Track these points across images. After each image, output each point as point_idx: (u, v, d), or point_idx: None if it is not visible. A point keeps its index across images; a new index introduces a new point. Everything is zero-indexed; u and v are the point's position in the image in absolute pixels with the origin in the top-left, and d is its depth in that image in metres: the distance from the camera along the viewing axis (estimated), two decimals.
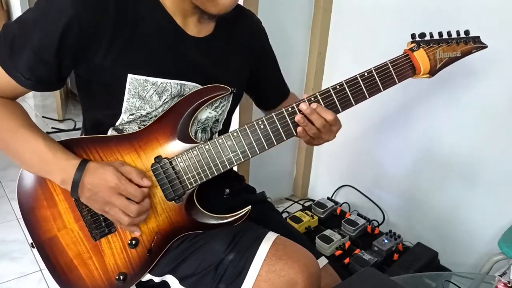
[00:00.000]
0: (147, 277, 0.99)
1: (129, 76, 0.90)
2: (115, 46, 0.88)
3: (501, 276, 1.02)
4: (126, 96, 0.92)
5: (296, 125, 0.94)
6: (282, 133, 0.93)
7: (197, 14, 0.95)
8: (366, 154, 2.06)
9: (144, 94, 0.92)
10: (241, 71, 1.09)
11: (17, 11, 3.84)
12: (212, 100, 0.96)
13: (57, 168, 0.87)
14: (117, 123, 0.95)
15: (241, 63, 1.08)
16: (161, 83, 0.93)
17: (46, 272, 1.75)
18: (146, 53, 0.91)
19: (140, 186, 0.88)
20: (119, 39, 0.88)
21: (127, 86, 0.91)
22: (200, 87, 0.98)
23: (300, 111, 0.93)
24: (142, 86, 0.92)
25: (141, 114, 0.94)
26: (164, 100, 0.95)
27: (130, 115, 0.94)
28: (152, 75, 0.92)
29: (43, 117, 3.30)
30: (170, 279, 0.98)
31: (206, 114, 1.00)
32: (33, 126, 0.91)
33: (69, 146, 0.91)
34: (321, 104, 0.93)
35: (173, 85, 0.95)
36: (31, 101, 3.67)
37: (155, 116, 0.95)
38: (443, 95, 1.67)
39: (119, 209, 0.87)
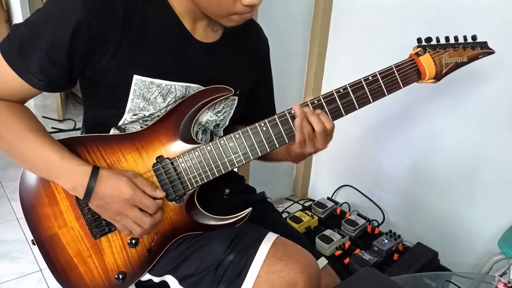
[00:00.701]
0: (147, 277, 0.99)
1: (135, 77, 0.90)
2: (123, 47, 0.88)
3: (501, 276, 1.02)
4: (131, 96, 0.92)
5: None
6: (284, 135, 0.93)
7: (207, 21, 0.95)
8: (366, 154, 2.06)
9: (148, 96, 0.92)
10: (246, 76, 1.07)
11: (17, 11, 3.83)
12: (216, 100, 0.96)
13: (66, 174, 0.87)
14: (120, 123, 0.95)
15: (246, 69, 1.07)
16: (166, 85, 0.93)
17: (46, 272, 1.76)
18: (152, 55, 0.91)
19: (154, 198, 0.89)
20: (126, 40, 0.88)
21: (132, 87, 0.91)
22: (206, 88, 0.98)
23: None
24: (147, 87, 0.92)
25: (144, 115, 0.94)
26: (168, 102, 0.95)
27: (133, 115, 0.94)
28: (157, 77, 0.92)
29: (43, 117, 3.30)
30: (170, 279, 0.98)
31: (207, 117, 1.00)
32: (42, 130, 0.90)
33: (71, 144, 0.91)
34: (325, 113, 0.92)
35: (177, 87, 0.94)
36: (31, 101, 3.62)
37: (158, 116, 0.95)
38: (443, 95, 1.67)
39: (131, 220, 0.88)
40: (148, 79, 0.91)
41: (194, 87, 0.97)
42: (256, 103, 1.13)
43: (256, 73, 1.10)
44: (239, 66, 1.05)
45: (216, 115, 1.02)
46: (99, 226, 0.94)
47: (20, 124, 0.89)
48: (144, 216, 0.88)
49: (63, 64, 0.87)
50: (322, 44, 2.09)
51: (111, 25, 0.86)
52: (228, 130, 1.07)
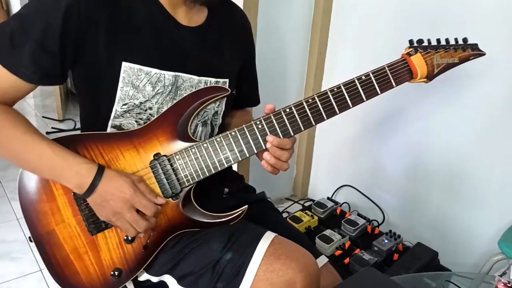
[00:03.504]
0: (145, 277, 0.99)
1: (124, 64, 0.91)
2: (111, 33, 0.89)
3: (501, 276, 1.02)
4: (120, 84, 0.92)
5: (294, 125, 0.94)
6: (280, 133, 0.94)
7: (184, 2, 0.96)
8: (366, 154, 2.06)
9: (137, 83, 0.93)
10: (235, 61, 1.10)
11: (17, 11, 3.84)
12: (212, 100, 0.96)
13: (71, 173, 0.87)
14: (112, 115, 0.96)
15: (234, 52, 1.09)
16: (155, 73, 0.94)
17: (46, 272, 1.75)
18: (140, 43, 0.92)
19: None
20: (115, 27, 0.89)
21: (121, 74, 0.92)
22: (195, 77, 0.99)
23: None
24: (136, 75, 0.93)
25: (134, 104, 0.95)
26: (157, 90, 0.95)
27: (123, 104, 0.95)
28: (146, 64, 0.93)
29: (43, 117, 3.30)
30: (168, 279, 0.98)
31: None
32: (37, 133, 0.90)
33: (70, 142, 0.91)
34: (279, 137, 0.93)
35: (167, 76, 0.95)
36: (31, 101, 3.67)
37: (150, 107, 0.96)
38: (443, 96, 1.66)
39: (127, 221, 0.88)
40: (137, 66, 0.92)
41: (184, 76, 0.98)
42: (242, 87, 1.15)
43: (243, 53, 1.12)
44: (227, 51, 1.06)
45: (214, 103, 1.02)
46: (95, 223, 0.94)
47: (16, 130, 0.88)
48: (140, 219, 0.88)
49: (56, 52, 0.87)
50: (322, 44, 2.09)
51: (99, 12, 0.87)
52: (225, 115, 1.09)
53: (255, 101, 1.26)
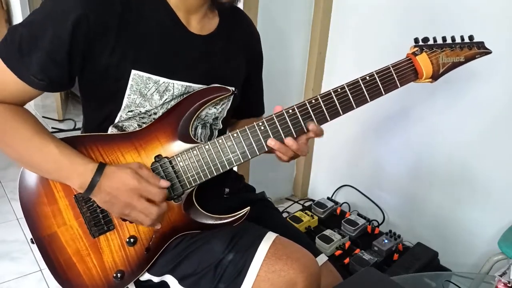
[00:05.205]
0: (146, 277, 0.99)
1: (133, 72, 0.91)
2: (121, 42, 0.89)
3: (501, 276, 1.02)
4: (128, 92, 0.92)
5: (297, 126, 0.93)
6: (282, 134, 0.93)
7: (203, 8, 0.95)
8: (366, 154, 2.06)
9: (145, 92, 0.93)
10: (241, 69, 1.09)
11: (17, 11, 3.84)
12: (214, 100, 0.96)
13: (75, 174, 0.87)
14: (116, 120, 0.96)
15: (241, 61, 1.09)
16: (163, 82, 0.93)
17: (46, 272, 1.75)
18: (149, 51, 0.92)
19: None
20: (124, 36, 0.89)
21: (130, 82, 0.91)
22: (203, 87, 0.98)
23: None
24: (145, 83, 0.92)
25: (140, 111, 0.95)
26: (165, 99, 0.95)
27: (128, 111, 0.95)
28: (155, 73, 0.92)
29: (43, 117, 3.30)
30: (169, 279, 0.98)
31: (206, 110, 1.00)
32: (45, 132, 0.90)
33: (70, 143, 0.91)
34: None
35: (176, 86, 0.95)
36: (31, 101, 3.66)
37: (154, 113, 0.96)
38: (443, 95, 1.66)
39: (139, 211, 0.88)
40: (146, 75, 0.92)
41: (195, 86, 0.97)
42: (247, 96, 1.14)
43: (250, 61, 1.12)
44: (235, 59, 1.06)
45: (215, 108, 1.02)
46: (97, 225, 0.94)
47: (24, 129, 0.88)
48: (151, 206, 0.88)
49: (64, 62, 0.87)
50: (322, 44, 2.10)
51: (109, 20, 0.87)
52: (226, 121, 1.08)
53: (260, 111, 1.25)
